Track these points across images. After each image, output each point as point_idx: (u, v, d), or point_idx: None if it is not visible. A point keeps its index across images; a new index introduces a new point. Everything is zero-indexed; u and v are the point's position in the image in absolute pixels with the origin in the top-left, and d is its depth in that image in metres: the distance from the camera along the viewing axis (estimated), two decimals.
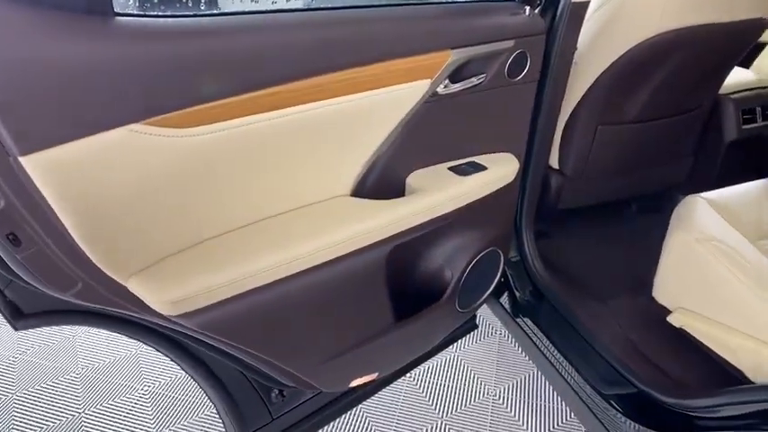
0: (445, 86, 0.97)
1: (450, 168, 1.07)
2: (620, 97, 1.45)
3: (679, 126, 1.59)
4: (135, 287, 0.70)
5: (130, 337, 0.89)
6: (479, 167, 1.10)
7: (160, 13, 0.68)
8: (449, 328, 1.33)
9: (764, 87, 1.71)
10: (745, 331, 1.08)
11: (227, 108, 0.70)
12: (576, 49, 1.35)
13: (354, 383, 1.16)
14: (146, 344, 0.91)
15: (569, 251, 1.68)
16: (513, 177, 1.18)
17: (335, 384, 1.11)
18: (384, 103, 0.89)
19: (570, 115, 1.48)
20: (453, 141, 1.08)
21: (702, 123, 1.66)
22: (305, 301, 0.89)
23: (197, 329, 0.77)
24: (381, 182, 0.99)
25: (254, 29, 0.73)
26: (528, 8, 1.06)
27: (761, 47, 1.77)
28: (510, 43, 1.02)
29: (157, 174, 0.66)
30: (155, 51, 0.63)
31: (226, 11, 0.73)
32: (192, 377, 1.06)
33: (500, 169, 1.13)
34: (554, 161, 1.58)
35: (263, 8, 0.79)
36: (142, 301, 0.71)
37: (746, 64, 1.79)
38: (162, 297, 0.71)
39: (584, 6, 1.19)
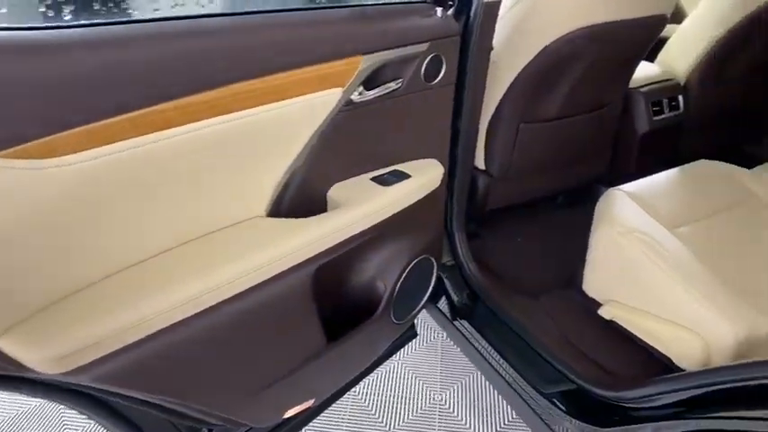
0: (360, 94, 0.92)
1: (374, 179, 1.02)
2: (539, 95, 1.46)
3: (597, 121, 1.64)
4: (8, 346, 0.60)
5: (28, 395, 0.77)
6: (403, 176, 1.06)
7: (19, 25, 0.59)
8: (386, 341, 1.28)
9: (669, 80, 1.80)
10: (669, 319, 1.10)
11: (109, 130, 0.61)
12: (492, 48, 1.35)
13: (289, 414, 1.08)
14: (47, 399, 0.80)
15: (501, 250, 1.69)
16: (439, 183, 1.15)
17: (268, 418, 1.04)
18: (294, 114, 0.83)
19: (493, 115, 1.48)
20: (374, 150, 1.04)
21: (617, 117, 1.72)
22: (222, 334, 0.82)
23: (95, 384, 0.68)
24: (300, 198, 0.93)
25: (137, 39, 0.65)
26: (440, 10, 1.04)
27: (663, 41, 1.85)
28: (424, 46, 0.98)
29: (23, 214, 0.57)
30: (10, 69, 0.54)
31: (98, 21, 0.64)
32: (107, 429, 0.95)
33: (424, 176, 1.10)
34: (480, 162, 1.58)
35: (150, 16, 0.71)
36: (19, 362, 0.61)
37: (651, 58, 1.88)
38: (44, 354, 0.61)
39: (497, 5, 1.19)
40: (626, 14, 1.31)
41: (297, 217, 0.90)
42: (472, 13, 1.17)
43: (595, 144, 1.73)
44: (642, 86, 1.74)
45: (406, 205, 1.06)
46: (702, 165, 1.44)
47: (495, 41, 1.37)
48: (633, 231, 1.17)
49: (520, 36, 1.34)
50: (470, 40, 1.17)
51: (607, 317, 1.24)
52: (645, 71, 1.78)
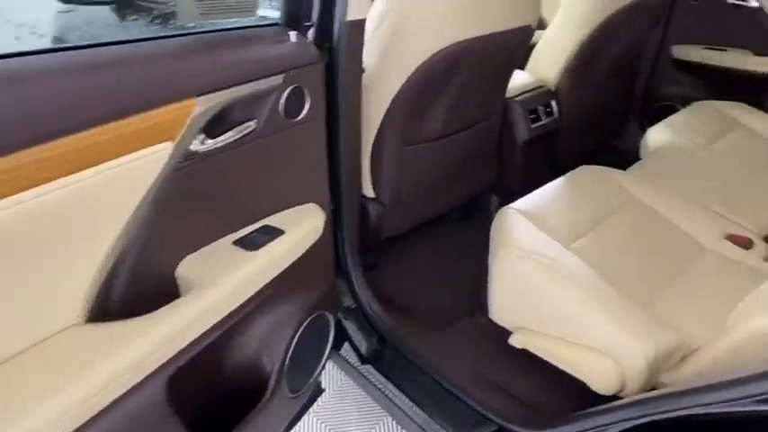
0: (202, 143, 0.74)
1: (237, 242, 0.84)
2: (420, 115, 1.38)
3: (481, 134, 1.59)
4: None
5: None
6: (274, 232, 0.89)
7: None
8: (284, 420, 1.10)
9: (541, 86, 1.81)
10: (580, 343, 1.05)
11: None
12: (363, 71, 1.23)
13: None
14: None
15: (403, 279, 1.58)
16: (321, 231, 1.00)
17: None
18: (113, 181, 0.63)
19: (374, 141, 1.37)
20: (233, 207, 0.86)
21: (498, 128, 1.69)
22: None
23: None
24: (137, 287, 0.72)
25: None
26: (294, 34, 0.89)
27: (531, 49, 1.87)
28: (279, 79, 0.83)
29: None
30: None
31: None
32: None
33: (302, 227, 0.94)
34: (368, 190, 1.45)
35: None
36: None
37: (522, 67, 1.89)
38: None
39: (361, 25, 1.07)
40: (493, 28, 1.27)
41: (136, 311, 0.69)
42: (335, 35, 1.04)
43: (482, 156, 1.69)
44: (517, 96, 1.73)
45: (284, 267, 0.89)
46: (583, 171, 1.44)
47: (366, 64, 1.26)
48: (532, 254, 1.10)
49: (391, 57, 1.23)
50: (337, 65, 1.04)
51: (519, 346, 1.16)
52: (518, 80, 1.77)
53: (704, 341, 1.00)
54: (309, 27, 0.98)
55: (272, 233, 0.88)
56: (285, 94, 0.85)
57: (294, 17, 0.93)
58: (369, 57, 1.26)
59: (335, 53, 1.05)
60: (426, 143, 1.45)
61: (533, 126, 1.74)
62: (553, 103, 1.81)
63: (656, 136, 1.73)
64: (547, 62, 1.83)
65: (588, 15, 1.70)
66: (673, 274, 1.16)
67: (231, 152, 0.80)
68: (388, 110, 1.30)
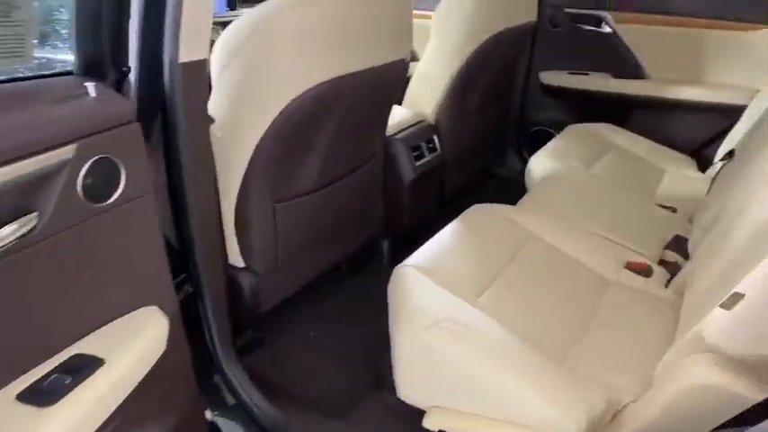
0: None
1: (22, 396, 0.57)
2: (290, 166, 1.18)
3: (362, 179, 1.43)
4: None
5: None
6: (88, 365, 0.62)
7: None
8: None
9: (421, 121, 1.71)
10: (500, 418, 0.90)
11: None
12: (211, 121, 1.01)
13: None
14: None
15: (293, 355, 1.35)
16: (165, 344, 0.74)
17: None
18: None
19: (238, 202, 1.14)
20: (18, 338, 0.59)
21: (382, 170, 1.54)
22: None
23: None
24: None
25: None
26: (94, 86, 0.65)
27: (407, 83, 1.77)
28: (69, 151, 0.58)
29: None
30: None
31: None
32: None
33: (134, 347, 0.68)
34: (237, 259, 1.22)
35: None
36: None
37: (399, 102, 1.78)
38: None
39: (200, 67, 0.86)
40: (363, 65, 1.12)
41: None
42: (166, 82, 0.81)
43: (367, 202, 1.53)
44: (398, 133, 1.60)
45: (111, 411, 0.63)
46: (475, 212, 1.33)
47: (215, 112, 1.04)
48: (437, 322, 0.94)
49: (245, 102, 1.03)
50: (173, 118, 0.82)
51: (434, 428, 0.99)
52: (397, 116, 1.65)
53: (632, 393, 0.90)
54: (124, 74, 0.74)
55: (84, 368, 0.61)
56: (84, 170, 0.60)
57: (95, 63, 0.69)
58: (217, 104, 1.04)
59: (170, 104, 0.82)
60: (301, 197, 1.25)
61: (418, 164, 1.62)
62: (435, 137, 1.72)
63: (538, 164, 1.70)
64: (423, 96, 1.74)
65: (460, 46, 1.64)
66: (584, 316, 1.07)
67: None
68: (251, 164, 1.09)
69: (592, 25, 2.03)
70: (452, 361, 0.92)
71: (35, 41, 0.58)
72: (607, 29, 2.00)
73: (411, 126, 1.67)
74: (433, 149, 1.70)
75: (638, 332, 1.04)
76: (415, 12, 2.28)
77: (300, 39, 0.98)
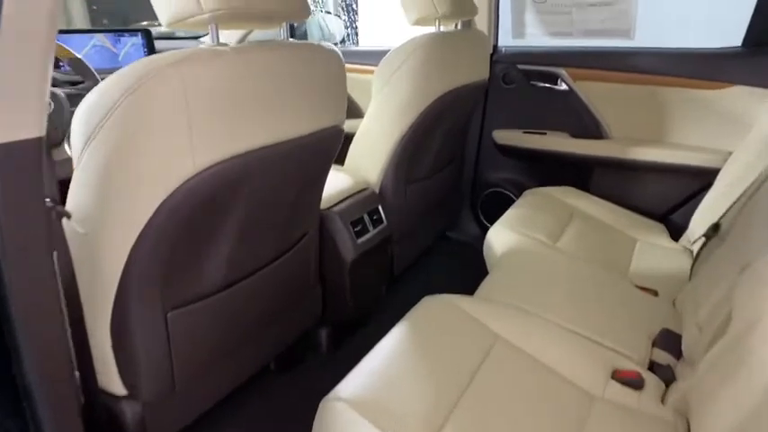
0: None
1: None
2: (182, 267, 0.91)
3: (290, 265, 1.17)
4: None
5: None
6: None
7: None
8: None
9: (363, 189, 1.48)
10: None
11: None
12: (65, 215, 0.74)
13: None
14: None
15: None
16: None
17: None
18: None
19: (114, 315, 0.85)
20: None
21: (317, 249, 1.29)
22: None
23: None
24: None
25: None
26: None
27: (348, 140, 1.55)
28: None
29: None
30: None
31: None
32: None
33: None
34: (115, 385, 0.91)
35: None
36: None
37: (340, 161, 1.55)
38: None
39: (32, 147, 0.59)
40: (279, 136, 0.89)
41: None
42: None
43: (299, 290, 1.26)
44: (336, 204, 1.36)
45: None
46: (428, 306, 1.09)
47: (76, 203, 0.77)
48: None
49: (115, 190, 0.77)
50: None
51: None
52: (336, 184, 1.42)
53: None
54: None
55: None
56: None
57: None
58: (79, 191, 0.78)
59: None
60: (207, 298, 0.97)
61: (360, 240, 1.38)
62: (380, 207, 1.49)
63: (498, 236, 1.49)
64: (366, 161, 1.52)
65: (405, 106, 1.44)
66: None
67: None
68: (128, 267, 0.81)
69: (547, 82, 1.90)
70: None
71: None
72: (563, 86, 1.88)
73: (352, 195, 1.44)
74: (377, 221, 1.47)
75: None
76: (360, 66, 2.13)
77: (189, 105, 0.73)
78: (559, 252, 1.44)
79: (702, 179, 1.61)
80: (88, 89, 0.74)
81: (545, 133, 1.93)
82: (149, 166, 0.74)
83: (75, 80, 1.43)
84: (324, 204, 1.32)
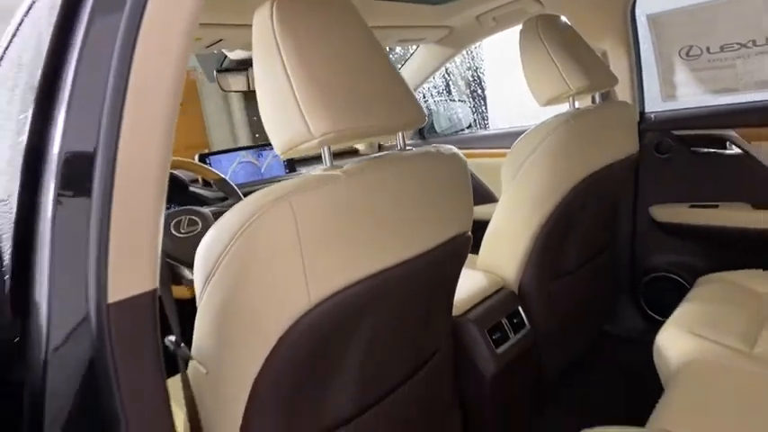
0: None
1: None
2: (308, 400, 0.85)
3: (421, 388, 1.06)
4: None
5: None
6: None
7: None
8: None
9: (499, 290, 1.34)
10: None
11: None
12: (187, 357, 0.73)
13: None
14: None
15: None
16: None
17: None
18: None
19: None
20: None
21: (452, 365, 1.16)
22: None
23: None
24: None
25: None
26: None
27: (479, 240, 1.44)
28: None
29: None
30: None
31: None
32: None
33: None
34: None
35: None
36: None
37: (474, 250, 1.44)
38: None
39: (145, 302, 0.59)
40: (405, 254, 0.82)
41: None
42: (94, 327, 0.56)
43: (435, 413, 1.13)
44: (470, 311, 1.24)
45: None
46: None
47: (199, 340, 0.76)
48: None
49: (235, 328, 0.75)
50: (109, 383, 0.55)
51: None
52: (468, 285, 1.30)
53: None
54: None
55: None
56: None
57: None
58: (201, 330, 0.77)
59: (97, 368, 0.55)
60: (336, 430, 0.90)
61: (500, 350, 1.22)
62: (520, 309, 1.33)
63: (672, 342, 1.22)
64: (501, 256, 1.39)
65: (542, 196, 1.30)
66: None
67: None
68: (249, 406, 0.77)
69: (712, 147, 1.63)
70: None
71: None
72: (734, 149, 1.58)
73: (488, 297, 1.30)
74: (519, 326, 1.30)
75: None
76: (485, 151, 2.05)
77: (301, 238, 0.70)
78: (759, 362, 1.12)
79: None
80: (231, 206, 0.75)
81: (717, 206, 1.62)
82: (265, 304, 0.71)
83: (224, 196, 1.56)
84: (456, 311, 1.21)
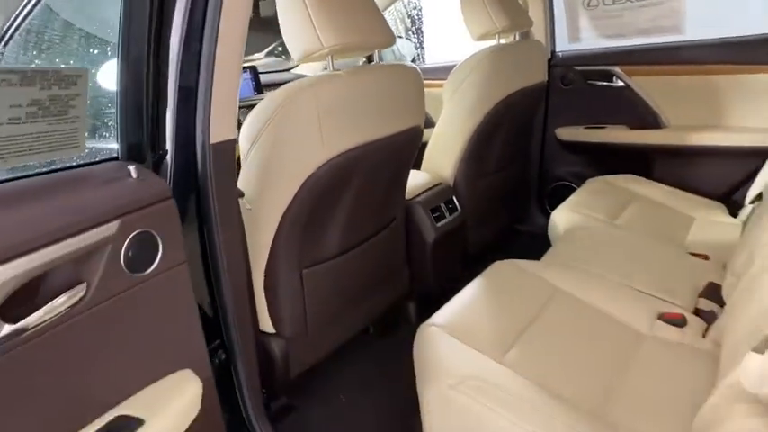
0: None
1: None
2: (315, 233, 1.23)
3: (384, 243, 1.47)
4: None
5: None
6: (129, 426, 0.65)
7: None
8: None
9: (438, 184, 1.76)
10: None
11: None
12: (241, 194, 1.08)
13: None
14: None
15: (325, 419, 1.34)
16: (199, 406, 0.77)
17: None
18: None
19: (267, 269, 1.19)
20: (66, 401, 0.63)
21: (403, 233, 1.58)
22: None
23: None
24: None
25: None
26: (135, 168, 0.72)
27: (423, 148, 1.84)
28: (112, 227, 0.64)
29: None
30: None
31: None
32: None
33: (171, 408, 0.71)
34: (267, 325, 1.25)
35: None
36: None
37: (417, 166, 1.85)
38: None
39: (230, 147, 0.93)
40: (376, 135, 1.20)
41: None
42: (199, 163, 0.89)
43: (391, 265, 1.56)
44: (417, 196, 1.66)
45: None
46: (498, 268, 1.34)
47: (244, 186, 1.11)
48: (464, 380, 0.94)
49: (272, 175, 1.10)
50: (207, 194, 0.88)
51: None
52: (415, 180, 1.71)
53: None
54: (161, 158, 0.82)
55: (126, 428, 0.64)
56: (126, 244, 0.66)
57: (136, 148, 0.77)
58: (246, 178, 1.12)
59: (203, 181, 0.89)
60: (326, 262, 1.29)
61: (439, 224, 1.65)
62: (454, 198, 1.76)
63: (561, 217, 1.71)
64: (440, 159, 1.81)
65: (472, 110, 1.71)
66: (618, 370, 1.04)
67: (52, 332, 0.58)
68: (278, 232, 1.15)
69: (603, 81, 2.10)
70: (479, 418, 0.91)
71: (87, 134, 0.66)
72: (619, 83, 2.06)
73: (430, 189, 1.72)
74: (452, 209, 1.74)
75: (676, 384, 1.01)
76: (429, 81, 2.43)
77: (320, 114, 1.06)
78: (617, 227, 1.63)
79: (759, 158, 1.72)
80: None
81: (604, 127, 2.11)
82: (295, 158, 1.07)
83: None
84: (408, 196, 1.62)
